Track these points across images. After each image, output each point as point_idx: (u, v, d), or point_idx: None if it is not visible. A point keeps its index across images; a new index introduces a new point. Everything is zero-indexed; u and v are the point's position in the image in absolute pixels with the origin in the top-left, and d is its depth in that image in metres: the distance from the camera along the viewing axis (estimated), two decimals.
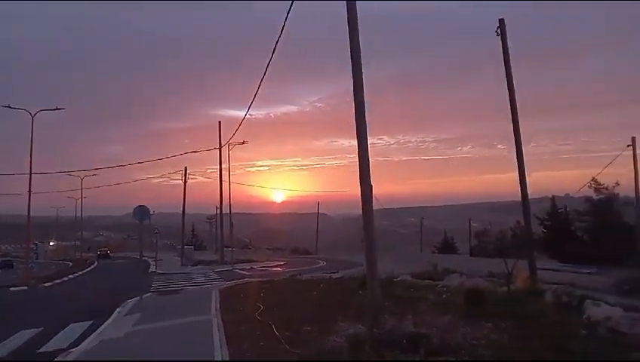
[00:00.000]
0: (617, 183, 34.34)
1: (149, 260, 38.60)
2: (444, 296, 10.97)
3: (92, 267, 42.67)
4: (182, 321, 10.60)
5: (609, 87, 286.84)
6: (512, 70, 13.07)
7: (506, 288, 11.22)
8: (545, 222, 39.25)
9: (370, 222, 8.72)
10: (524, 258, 13.82)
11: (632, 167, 27.04)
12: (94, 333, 9.74)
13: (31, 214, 31.51)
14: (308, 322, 8.26)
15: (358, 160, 8.65)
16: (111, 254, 70.48)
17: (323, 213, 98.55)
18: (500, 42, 12.71)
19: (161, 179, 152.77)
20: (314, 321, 8.26)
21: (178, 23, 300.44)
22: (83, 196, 60.88)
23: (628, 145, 27.00)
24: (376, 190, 8.78)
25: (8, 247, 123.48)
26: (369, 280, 8.63)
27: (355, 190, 8.76)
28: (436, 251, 54.68)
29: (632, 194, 28.75)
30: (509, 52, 12.77)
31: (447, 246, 55.66)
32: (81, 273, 35.31)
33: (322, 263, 36.94)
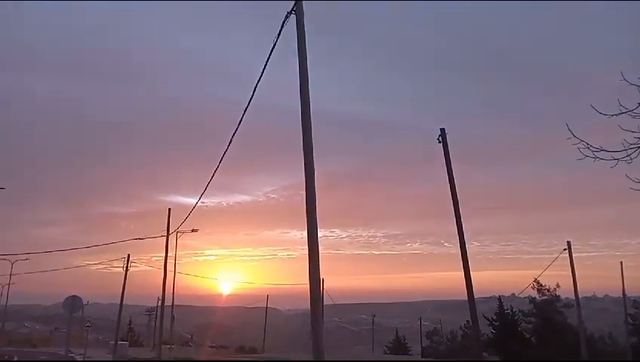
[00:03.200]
0: (558, 285, 35.76)
1: (77, 357, 34.97)
2: None
3: None
4: None
5: (544, 190, 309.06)
6: (455, 170, 14.03)
7: None
8: (493, 322, 39.51)
9: (318, 322, 8.41)
10: (473, 359, 13.63)
11: (570, 270, 28.21)
12: None
13: None
14: None
15: (308, 253, 8.55)
16: (35, 348, 63.36)
17: (273, 308, 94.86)
18: (442, 149, 13.76)
19: (100, 266, 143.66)
20: None
21: (131, 105, 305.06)
22: (11, 282, 55.64)
23: (564, 249, 28.45)
24: (328, 284, 8.80)
25: None
26: None
27: (305, 283, 8.54)
28: (388, 351, 53.04)
29: (573, 296, 29.76)
30: (451, 157, 13.81)
31: (398, 347, 54.21)
32: None
33: None
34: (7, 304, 60.56)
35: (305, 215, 8.70)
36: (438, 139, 13.75)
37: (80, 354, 34.18)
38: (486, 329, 37.40)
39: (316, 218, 8.73)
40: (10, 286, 56.54)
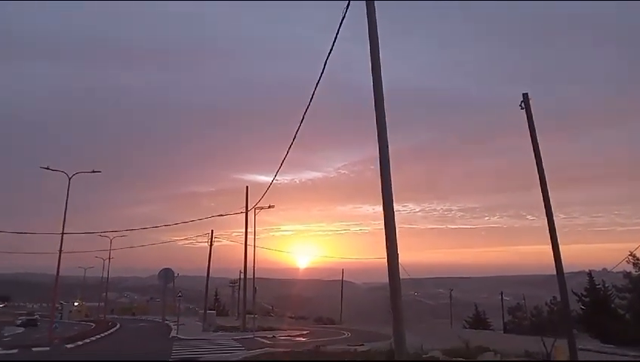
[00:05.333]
0: None
1: (171, 324, 38.10)
2: None
3: (114, 329, 42.24)
4: None
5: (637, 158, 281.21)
6: (539, 138, 13.14)
7: None
8: (583, 298, 37.31)
9: (397, 294, 8.46)
10: (562, 336, 12.99)
11: None
12: None
13: (59, 274, 31.91)
14: None
15: (384, 228, 8.54)
16: (135, 316, 70.50)
17: (348, 281, 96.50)
18: (525, 115, 12.92)
19: (186, 242, 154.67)
20: None
21: (210, 92, 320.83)
22: (111, 257, 61.47)
23: None
24: (402, 258, 8.60)
25: (34, 306, 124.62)
26: (397, 356, 8.23)
27: (381, 257, 8.58)
28: (467, 326, 52.11)
29: None
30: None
31: (478, 321, 53.03)
32: (103, 335, 34.94)
33: (347, 334, 35.55)
34: (107, 276, 66.89)
35: (378, 189, 8.65)
36: (520, 105, 12.95)
37: (174, 322, 37.17)
38: (574, 306, 35.38)
39: (391, 191, 8.66)
40: (110, 260, 62.59)
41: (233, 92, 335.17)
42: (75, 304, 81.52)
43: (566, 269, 13.01)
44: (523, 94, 13.16)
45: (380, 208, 8.51)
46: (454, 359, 13.69)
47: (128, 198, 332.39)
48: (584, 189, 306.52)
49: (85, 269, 74.77)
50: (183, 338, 29.31)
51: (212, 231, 43.33)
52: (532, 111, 13.20)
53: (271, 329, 37.79)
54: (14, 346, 25.00)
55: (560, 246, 12.82)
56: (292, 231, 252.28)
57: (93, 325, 49.47)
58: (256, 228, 38.20)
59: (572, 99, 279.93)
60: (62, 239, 31.33)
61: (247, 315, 38.30)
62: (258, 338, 28.93)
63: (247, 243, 37.89)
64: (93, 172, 33.98)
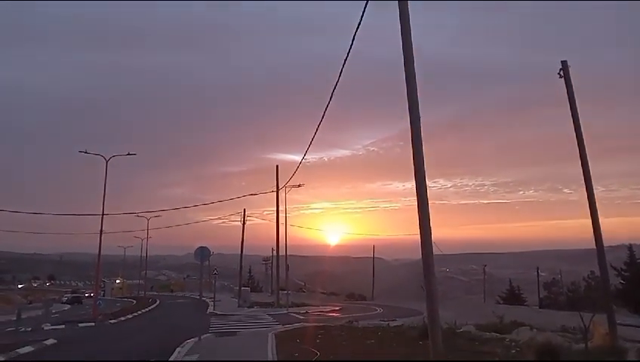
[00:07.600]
0: None
1: (208, 300, 39.27)
2: (513, 352, 10.26)
3: (154, 306, 44.00)
4: None
5: None
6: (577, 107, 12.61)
7: (582, 345, 10.32)
8: (623, 272, 36.28)
9: (430, 270, 8.43)
10: (600, 311, 12.70)
11: None
12: None
13: (101, 253, 33.27)
14: None
15: (417, 205, 8.47)
16: (173, 293, 73.20)
17: (379, 257, 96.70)
18: (564, 84, 12.39)
19: (220, 221, 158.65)
20: None
21: (239, 72, 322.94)
22: (148, 236, 63.37)
23: None
24: (434, 234, 8.51)
25: (79, 284, 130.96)
26: (430, 331, 8.25)
27: (411, 233, 8.55)
28: (501, 301, 51.59)
29: None
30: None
31: (513, 297, 52.34)
32: (144, 311, 36.46)
33: (379, 310, 35.86)
34: (146, 255, 69.21)
35: (407, 166, 8.55)
36: (559, 73, 12.40)
37: (210, 298, 38.35)
38: (613, 280, 34.45)
39: (424, 166, 8.55)
40: (148, 239, 64.65)
41: (262, 71, 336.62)
42: (117, 281, 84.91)
43: (605, 243, 12.63)
44: (562, 62, 12.60)
45: (409, 185, 8.60)
46: (488, 334, 13.63)
47: (163, 180, 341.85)
48: (623, 161, 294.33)
49: (125, 248, 77.51)
50: (220, 314, 30.26)
51: (244, 210, 44.06)
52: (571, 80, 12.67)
53: (304, 305, 38.46)
54: (62, 322, 26.42)
55: (600, 220, 12.43)
56: (322, 208, 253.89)
57: (135, 302, 51.61)
58: (286, 207, 38.68)
59: (609, 66, 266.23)
60: (102, 220, 32.63)
61: (280, 291, 39.05)
62: (292, 314, 29.52)
63: (279, 222, 38.40)
64: (129, 154, 34.98)
